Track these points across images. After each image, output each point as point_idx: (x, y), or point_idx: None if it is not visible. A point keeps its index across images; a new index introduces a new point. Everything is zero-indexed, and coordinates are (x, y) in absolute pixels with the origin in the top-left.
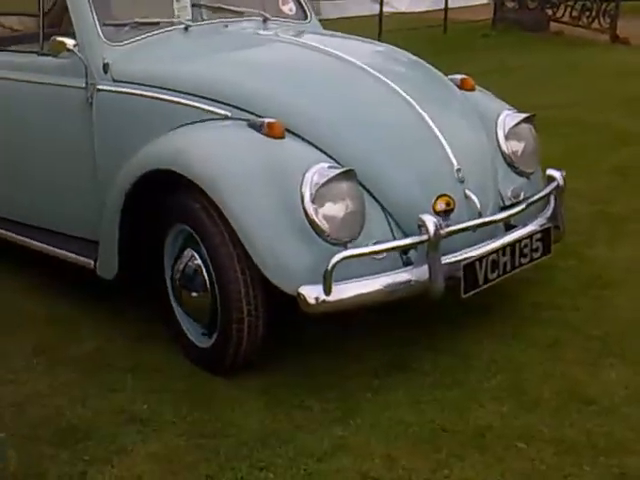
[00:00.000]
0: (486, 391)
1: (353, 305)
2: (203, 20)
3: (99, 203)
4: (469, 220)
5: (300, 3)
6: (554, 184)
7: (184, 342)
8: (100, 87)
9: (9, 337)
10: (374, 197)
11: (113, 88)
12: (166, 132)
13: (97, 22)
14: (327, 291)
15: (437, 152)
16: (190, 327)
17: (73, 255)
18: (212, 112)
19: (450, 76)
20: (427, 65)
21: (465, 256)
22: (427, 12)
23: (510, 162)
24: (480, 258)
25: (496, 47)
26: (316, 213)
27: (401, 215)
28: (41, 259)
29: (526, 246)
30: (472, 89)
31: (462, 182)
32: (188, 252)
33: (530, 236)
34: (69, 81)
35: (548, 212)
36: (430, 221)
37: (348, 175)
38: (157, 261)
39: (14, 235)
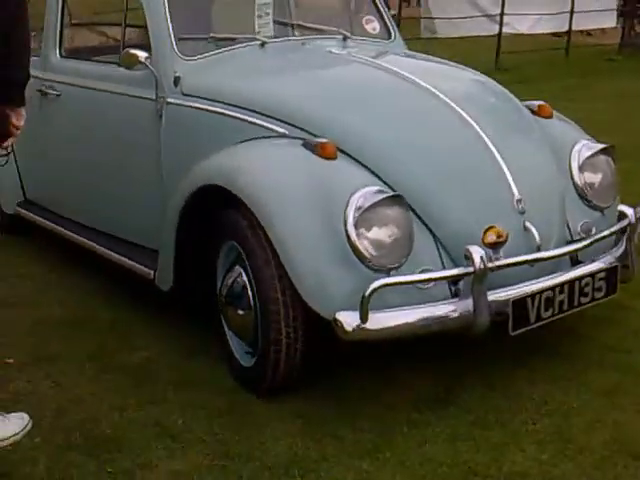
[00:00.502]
0: (529, 434)
1: (391, 335)
2: (283, 37)
3: (162, 214)
4: (527, 253)
5: (385, 22)
6: (625, 221)
7: (230, 359)
8: (170, 100)
9: (67, 340)
10: (425, 224)
11: (181, 102)
12: (225, 148)
13: (172, 35)
14: (363, 319)
15: (497, 180)
16: (236, 345)
17: (135, 264)
18: (271, 130)
19: (527, 102)
20: (502, 90)
21: (515, 292)
22: (549, 34)
23: (583, 195)
24: (532, 295)
25: (620, 72)
26: (358, 237)
27: (452, 244)
28: (111, 264)
29: (587, 285)
30: (549, 116)
31: (522, 213)
32: (236, 269)
33: (592, 274)
34: (141, 92)
35: (619, 250)
36: (476, 253)
37: (396, 200)
38: (211, 276)
39: (83, 239)
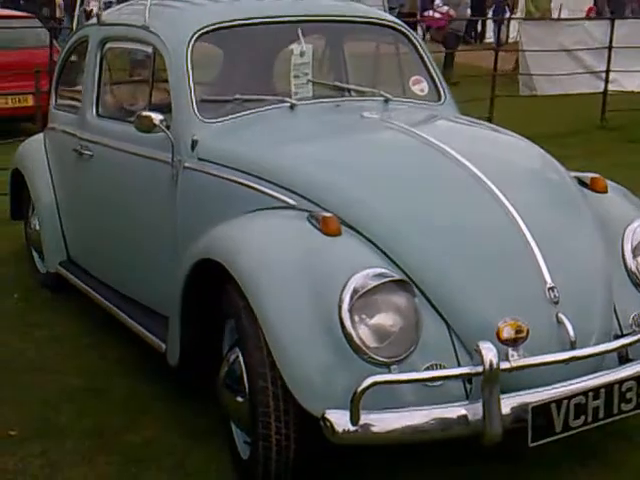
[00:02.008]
0: None
1: (386, 440)
2: (318, 98)
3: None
4: (560, 350)
5: (435, 82)
6: None
7: (231, 446)
8: (186, 164)
9: (77, 413)
10: (438, 311)
11: (197, 167)
12: (231, 218)
13: (193, 97)
14: (354, 420)
15: (525, 265)
16: (238, 433)
17: (149, 334)
18: (280, 200)
19: (579, 174)
20: (548, 161)
21: (536, 396)
22: None
23: (636, 282)
24: (558, 400)
25: None
26: (354, 326)
27: (467, 337)
28: None
29: (630, 389)
30: (603, 191)
31: (555, 303)
32: (235, 351)
33: (637, 377)
34: (159, 155)
35: None
36: (487, 350)
37: (400, 285)
38: (218, 355)
39: (107, 303)
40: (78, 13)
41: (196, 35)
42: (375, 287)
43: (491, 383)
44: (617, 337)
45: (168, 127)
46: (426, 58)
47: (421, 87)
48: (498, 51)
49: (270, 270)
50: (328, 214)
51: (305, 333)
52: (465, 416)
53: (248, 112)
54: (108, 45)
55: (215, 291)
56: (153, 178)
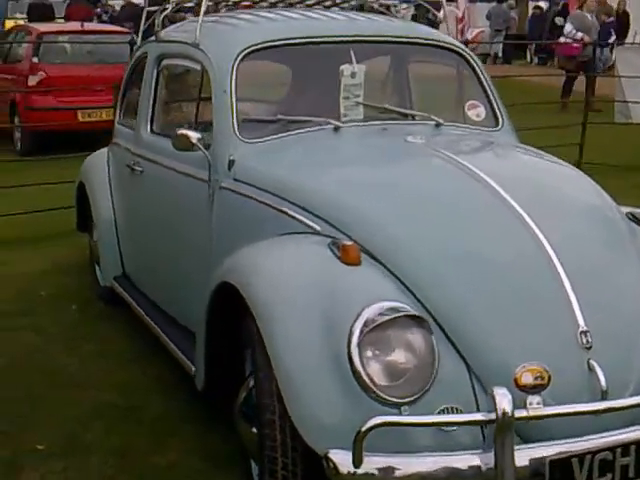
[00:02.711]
0: None
1: None
2: (368, 120)
3: None
4: (590, 399)
5: (492, 107)
6: None
7: (249, 477)
8: (222, 184)
9: (106, 431)
10: (458, 350)
11: (232, 187)
12: (256, 242)
13: (234, 115)
14: (357, 462)
15: (557, 306)
16: (253, 462)
17: (182, 355)
18: (306, 225)
19: (633, 209)
20: (598, 195)
21: (556, 449)
22: None
23: None
24: (580, 455)
25: None
26: (362, 362)
27: (488, 379)
28: None
29: None
30: None
31: (587, 349)
32: (250, 381)
33: None
34: (198, 173)
35: None
36: (501, 397)
37: (415, 321)
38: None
39: (146, 317)
40: (143, 28)
41: (243, 53)
42: (387, 321)
43: (504, 432)
44: None
45: (208, 146)
46: (485, 83)
47: (477, 112)
48: (592, 76)
49: (282, 297)
50: (349, 242)
51: (313, 366)
52: (478, 466)
53: (289, 133)
54: (164, 62)
55: (237, 315)
56: (193, 196)
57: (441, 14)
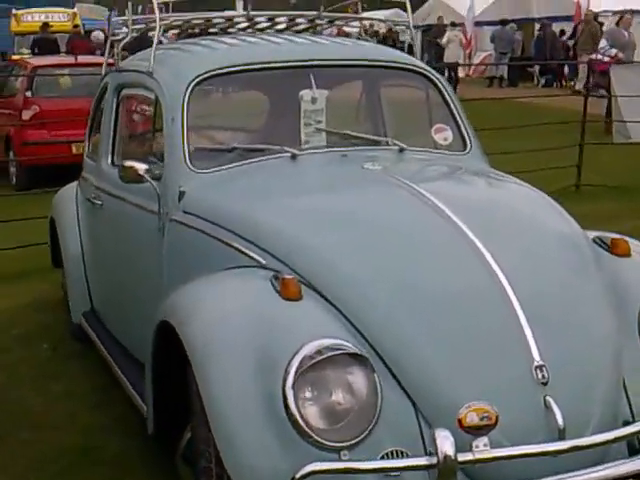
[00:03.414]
0: None
1: None
2: (330, 147)
3: None
4: (546, 439)
5: (460, 131)
6: None
7: None
8: (172, 217)
9: (60, 476)
10: (405, 390)
11: (182, 219)
12: (198, 277)
13: (185, 145)
14: None
15: (508, 338)
16: None
17: (137, 396)
18: (252, 259)
19: (600, 234)
20: (560, 219)
21: None
22: None
23: None
24: None
25: None
26: (297, 405)
27: (433, 420)
28: None
29: None
30: (625, 254)
31: (543, 384)
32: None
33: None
34: (148, 204)
35: None
36: (442, 439)
37: (357, 360)
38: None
39: (105, 354)
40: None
41: (195, 81)
42: (325, 360)
43: (448, 477)
44: (626, 424)
45: (160, 177)
46: (453, 105)
47: (444, 136)
48: (587, 96)
49: (216, 337)
50: (289, 276)
51: (247, 410)
52: None
53: (243, 163)
54: (123, 92)
55: (180, 355)
56: (145, 228)
57: (408, 38)
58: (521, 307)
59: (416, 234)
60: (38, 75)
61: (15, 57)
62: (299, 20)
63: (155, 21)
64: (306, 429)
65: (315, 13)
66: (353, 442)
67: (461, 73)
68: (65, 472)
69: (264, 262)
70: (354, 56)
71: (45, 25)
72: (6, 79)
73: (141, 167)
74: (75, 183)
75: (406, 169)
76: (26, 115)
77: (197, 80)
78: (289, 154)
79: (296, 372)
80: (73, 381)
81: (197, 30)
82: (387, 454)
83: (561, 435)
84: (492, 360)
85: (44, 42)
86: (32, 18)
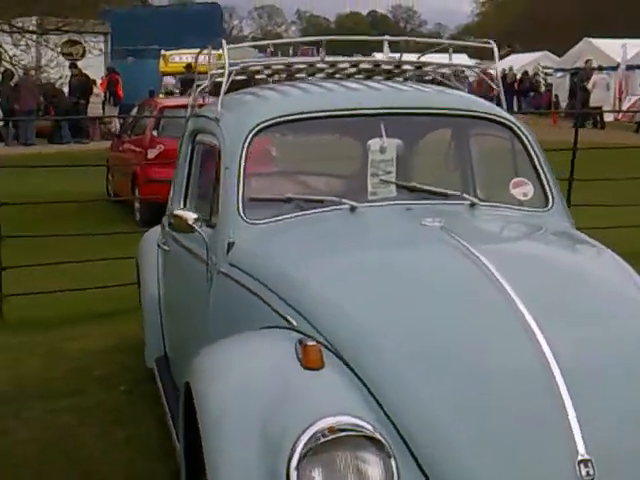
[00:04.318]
0: None
1: None
2: (394, 200)
3: None
4: None
5: (542, 186)
6: None
7: None
8: (220, 268)
9: None
10: (425, 475)
11: (227, 272)
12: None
13: (240, 194)
14: None
15: (549, 427)
16: None
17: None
18: (285, 319)
19: None
20: (636, 300)
21: None
22: None
23: None
24: None
25: None
26: None
27: None
28: None
29: None
30: None
31: None
32: None
33: None
34: (202, 253)
35: None
36: None
37: (370, 442)
38: None
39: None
40: (192, 102)
41: (256, 129)
42: (336, 441)
43: None
44: None
45: (213, 226)
46: (536, 158)
47: (524, 191)
48: None
49: (227, 407)
50: (311, 342)
51: None
52: None
53: (297, 214)
54: (198, 137)
55: None
56: (199, 278)
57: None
58: (567, 389)
59: (458, 301)
60: (164, 117)
61: (160, 96)
62: (385, 67)
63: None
64: None
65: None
66: None
67: (610, 117)
68: None
69: (295, 324)
70: (431, 104)
71: (189, 66)
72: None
73: (190, 217)
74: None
75: (468, 226)
76: (151, 154)
77: (259, 128)
78: (348, 206)
79: (302, 451)
80: (139, 427)
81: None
82: None
83: None
84: (527, 450)
85: (187, 82)
86: (180, 59)
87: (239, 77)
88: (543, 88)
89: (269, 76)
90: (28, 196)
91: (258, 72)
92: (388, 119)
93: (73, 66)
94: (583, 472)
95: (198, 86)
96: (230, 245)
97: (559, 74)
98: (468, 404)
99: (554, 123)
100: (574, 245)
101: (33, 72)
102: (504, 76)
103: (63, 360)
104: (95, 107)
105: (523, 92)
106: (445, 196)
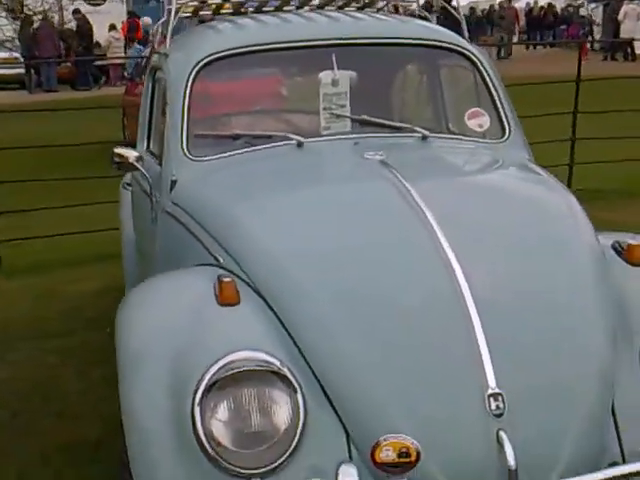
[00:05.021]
0: None
1: None
2: (347, 134)
3: None
4: None
5: (500, 117)
6: None
7: None
8: (164, 207)
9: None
10: (336, 411)
11: (170, 210)
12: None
13: (185, 131)
14: None
15: (459, 359)
16: None
17: None
18: (214, 257)
19: (620, 238)
20: (573, 231)
21: None
22: None
23: None
24: None
25: None
26: (204, 425)
27: (357, 450)
28: None
29: None
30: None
31: (498, 417)
32: None
33: None
34: (148, 192)
35: None
36: (345, 476)
37: (276, 378)
38: None
39: None
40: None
41: (200, 63)
42: (241, 376)
43: None
44: (611, 465)
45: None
46: (493, 88)
47: (479, 122)
48: None
49: (141, 346)
50: (227, 279)
51: (158, 430)
52: None
53: (243, 151)
54: (157, 74)
55: None
56: (149, 217)
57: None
58: (480, 320)
59: (380, 238)
60: None
61: None
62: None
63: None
64: (212, 452)
65: None
66: (267, 469)
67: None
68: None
69: (222, 261)
70: (389, 34)
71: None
72: None
73: (131, 155)
74: None
75: (411, 159)
76: None
77: (205, 62)
78: (295, 142)
79: (206, 386)
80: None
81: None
82: None
83: (512, 478)
84: (435, 384)
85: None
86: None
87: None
88: (578, 20)
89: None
90: (44, 140)
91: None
92: (342, 50)
93: (77, 12)
94: (493, 406)
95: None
96: (173, 183)
97: (592, 5)
98: (380, 337)
99: (585, 56)
100: (520, 176)
101: (55, 16)
102: (530, 10)
103: (58, 302)
104: (116, 52)
105: (548, 25)
106: (398, 129)
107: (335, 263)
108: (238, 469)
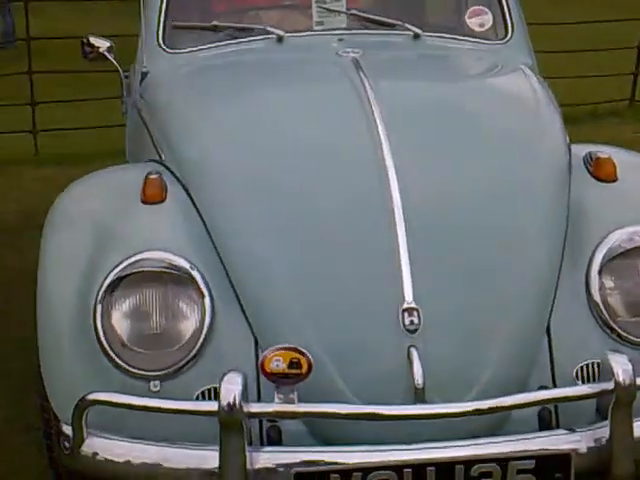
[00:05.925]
0: None
1: (116, 473)
2: (347, 29)
3: None
4: (404, 401)
5: (504, 16)
6: (609, 384)
7: None
8: (133, 100)
9: None
10: (245, 315)
11: (137, 103)
12: None
13: (161, 20)
14: (77, 441)
15: (376, 269)
16: None
17: None
18: (158, 153)
19: (588, 148)
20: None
21: (308, 457)
22: None
23: (600, 315)
24: (350, 470)
25: None
26: (103, 322)
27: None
28: None
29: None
30: (609, 179)
31: (411, 332)
32: None
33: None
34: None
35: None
36: (229, 386)
37: (182, 279)
38: None
39: None
40: None
41: None
42: (143, 276)
43: (230, 429)
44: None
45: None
46: None
47: (481, 21)
48: None
49: (60, 241)
50: (154, 175)
51: (64, 325)
52: (207, 469)
53: (218, 44)
54: None
55: None
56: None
57: None
58: (405, 231)
59: (316, 138)
60: None
61: None
62: None
63: None
64: (109, 350)
65: None
66: (164, 372)
67: None
68: None
69: (163, 157)
70: None
71: None
72: None
73: (103, 44)
74: None
75: (388, 59)
76: None
77: None
78: (275, 36)
79: (109, 288)
80: None
81: None
82: (204, 392)
83: (419, 397)
84: (348, 294)
85: None
86: None
87: None
88: None
89: None
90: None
91: None
92: None
93: None
94: (407, 321)
95: None
96: (144, 75)
97: None
98: (296, 240)
99: None
100: (504, 82)
101: None
102: None
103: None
104: None
105: None
106: (391, 26)
107: (264, 160)
108: (135, 370)
